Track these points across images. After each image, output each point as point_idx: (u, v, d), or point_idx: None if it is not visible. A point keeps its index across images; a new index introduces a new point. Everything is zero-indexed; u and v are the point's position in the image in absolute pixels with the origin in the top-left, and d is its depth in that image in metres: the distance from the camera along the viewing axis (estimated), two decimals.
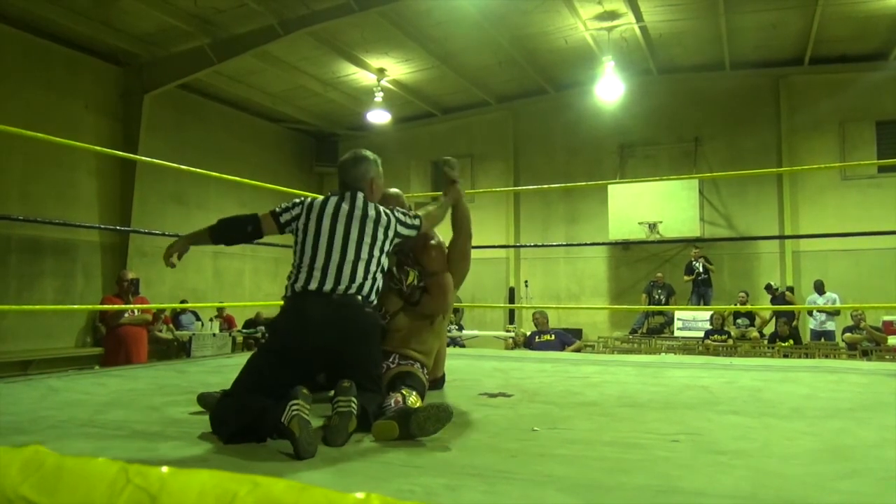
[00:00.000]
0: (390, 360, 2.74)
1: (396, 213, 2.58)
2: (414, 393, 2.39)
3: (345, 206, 2.47)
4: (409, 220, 2.60)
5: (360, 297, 2.38)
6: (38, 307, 8.71)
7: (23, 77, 8.87)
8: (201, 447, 1.98)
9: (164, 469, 0.55)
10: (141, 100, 10.11)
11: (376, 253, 2.44)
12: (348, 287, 2.36)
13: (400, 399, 2.29)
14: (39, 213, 8.55)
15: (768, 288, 10.35)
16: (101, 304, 7.33)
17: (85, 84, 9.78)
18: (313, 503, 0.50)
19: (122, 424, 2.27)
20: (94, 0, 8.41)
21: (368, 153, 2.67)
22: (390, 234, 2.51)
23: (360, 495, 0.50)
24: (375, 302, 2.46)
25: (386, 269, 2.53)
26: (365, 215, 2.46)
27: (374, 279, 2.43)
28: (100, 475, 0.54)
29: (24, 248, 8.89)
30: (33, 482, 0.55)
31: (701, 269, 10.93)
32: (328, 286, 2.34)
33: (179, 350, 9.36)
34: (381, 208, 2.53)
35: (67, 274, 9.46)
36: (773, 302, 10.16)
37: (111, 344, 6.30)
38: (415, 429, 1.99)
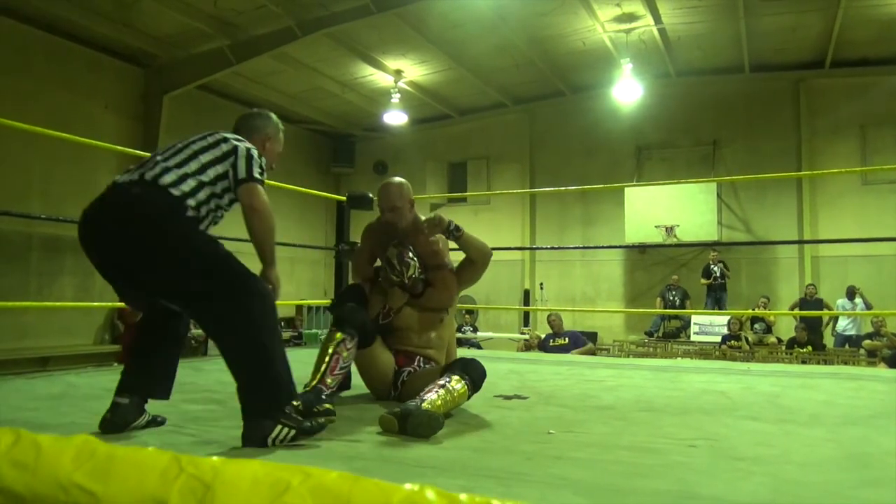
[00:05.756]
0: (415, 363, 2.79)
1: (241, 145, 2.16)
2: (463, 379, 2.41)
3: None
4: (252, 156, 2.13)
5: (147, 183, 2.02)
6: (57, 304, 8.82)
7: (45, 77, 9.00)
8: (218, 442, 2.00)
9: (216, 458, 0.56)
10: (160, 100, 10.22)
11: (193, 164, 2.07)
12: (142, 174, 2.04)
13: (445, 382, 2.36)
14: (60, 212, 8.64)
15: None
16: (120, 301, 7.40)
17: (106, 84, 9.90)
18: (366, 493, 0.51)
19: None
20: (115, 2, 8.52)
21: (273, 115, 2.48)
22: (217, 153, 2.12)
23: (412, 487, 0.51)
24: (187, 199, 2.04)
25: (214, 189, 2.11)
26: (204, 139, 2.17)
27: (186, 177, 2.05)
28: (152, 464, 0.56)
29: (44, 247, 9.01)
30: (86, 470, 0.56)
31: (718, 274, 10.83)
32: (122, 178, 2.08)
33: (197, 348, 9.43)
34: (231, 140, 2.17)
35: (87, 272, 9.56)
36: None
37: (129, 341, 6.37)
38: (410, 430, 2.09)
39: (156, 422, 2.22)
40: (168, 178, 2.02)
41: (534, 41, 10.42)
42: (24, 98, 8.53)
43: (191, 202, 2.03)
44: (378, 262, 3.09)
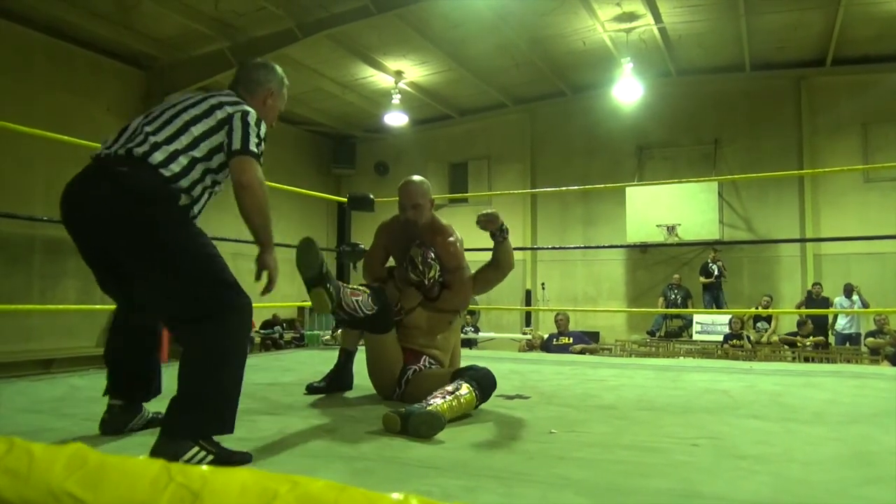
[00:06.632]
0: (421, 361, 2.78)
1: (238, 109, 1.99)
2: (472, 388, 2.41)
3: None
4: (247, 121, 1.97)
5: (135, 161, 1.86)
6: (60, 307, 8.84)
7: (47, 80, 9.03)
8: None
9: (205, 467, 0.56)
10: (162, 102, 10.24)
11: (184, 139, 1.93)
12: (130, 149, 1.88)
13: (454, 388, 2.37)
14: None
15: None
16: None
17: (108, 87, 9.92)
18: (352, 502, 0.51)
19: None
20: (116, 4, 8.54)
21: (278, 67, 2.25)
22: (211, 121, 1.96)
23: (398, 496, 0.51)
24: (179, 180, 1.89)
25: (208, 163, 1.96)
26: (196, 105, 2.00)
27: (177, 155, 1.90)
28: (142, 473, 0.56)
29: (47, 249, 9.03)
30: (77, 479, 0.56)
31: (717, 272, 10.81)
32: (107, 150, 1.92)
33: None
34: (225, 107, 1.99)
35: (89, 274, 9.49)
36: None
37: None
38: (411, 429, 2.10)
39: (157, 420, 2.12)
40: (158, 157, 1.86)
41: (534, 41, 10.41)
42: (27, 100, 8.55)
43: (183, 183, 1.88)
44: (390, 262, 3.09)
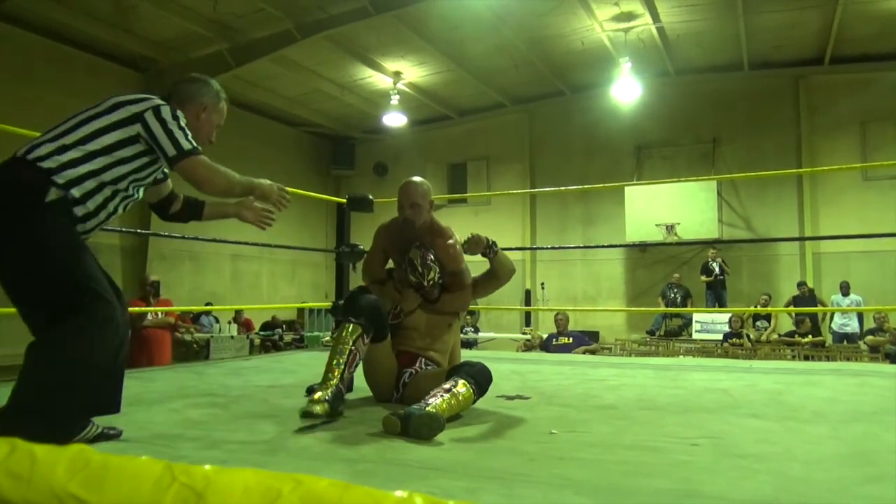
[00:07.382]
0: (417, 364, 2.77)
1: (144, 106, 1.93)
2: (469, 384, 2.41)
3: None
4: (165, 119, 1.90)
5: (14, 160, 1.80)
6: None
7: (46, 83, 9.03)
8: (222, 448, 1.99)
9: (208, 467, 0.56)
10: None
11: (78, 133, 1.86)
12: (15, 151, 1.82)
13: (451, 386, 2.35)
14: None
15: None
16: None
17: (106, 89, 9.81)
18: (357, 501, 0.51)
19: (143, 426, 2.29)
20: (115, 7, 8.55)
21: (214, 82, 2.24)
22: (116, 117, 1.90)
23: (402, 494, 0.51)
24: (62, 171, 1.80)
25: (116, 155, 1.89)
26: (96, 106, 1.94)
27: (65, 149, 1.82)
28: (145, 473, 0.56)
29: None
30: (80, 480, 0.56)
31: (718, 271, 10.81)
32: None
33: (198, 352, 9.44)
34: (128, 105, 1.93)
35: None
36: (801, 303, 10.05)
37: (134, 346, 6.35)
38: (411, 431, 2.09)
39: (107, 434, 2.04)
40: (40, 151, 1.79)
41: (533, 41, 10.42)
42: (27, 104, 8.54)
43: (68, 174, 1.78)
44: (389, 264, 3.08)
